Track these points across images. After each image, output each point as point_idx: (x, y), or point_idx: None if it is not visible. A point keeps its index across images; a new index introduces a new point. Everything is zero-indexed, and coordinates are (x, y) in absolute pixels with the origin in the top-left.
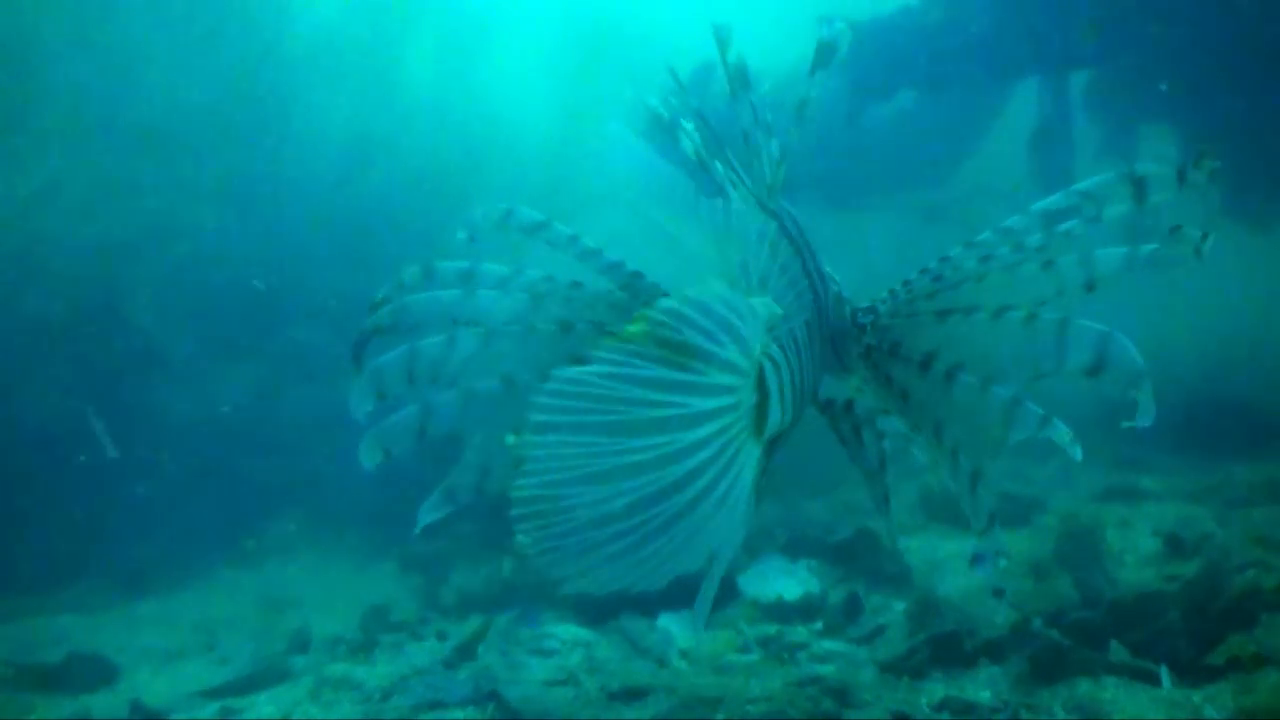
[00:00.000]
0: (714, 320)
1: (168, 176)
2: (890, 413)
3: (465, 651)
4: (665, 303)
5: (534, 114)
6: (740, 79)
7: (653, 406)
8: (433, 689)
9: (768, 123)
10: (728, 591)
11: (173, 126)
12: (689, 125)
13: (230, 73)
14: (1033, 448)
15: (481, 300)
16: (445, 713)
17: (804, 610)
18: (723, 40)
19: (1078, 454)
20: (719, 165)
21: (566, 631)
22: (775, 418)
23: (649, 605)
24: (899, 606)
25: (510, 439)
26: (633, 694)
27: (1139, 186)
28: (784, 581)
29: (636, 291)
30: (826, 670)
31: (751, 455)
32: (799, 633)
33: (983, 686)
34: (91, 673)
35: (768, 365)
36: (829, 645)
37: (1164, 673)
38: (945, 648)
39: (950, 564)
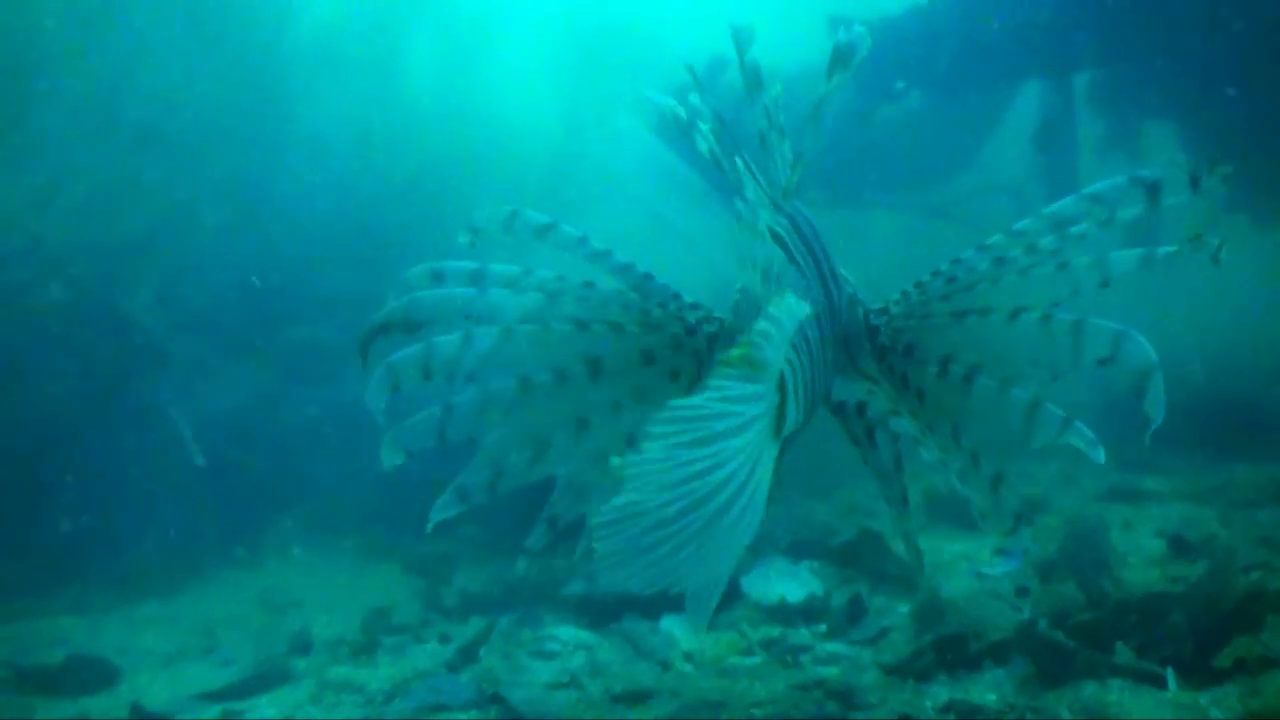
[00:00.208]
0: (783, 333)
1: (169, 177)
2: (902, 414)
3: (468, 654)
4: (760, 325)
5: (535, 114)
6: (755, 80)
7: (728, 419)
8: (435, 692)
9: (781, 125)
10: (730, 593)
11: (174, 127)
12: (705, 126)
13: (232, 73)
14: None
15: (494, 298)
16: (448, 715)
17: (807, 612)
18: (742, 42)
19: (1100, 457)
20: (737, 163)
21: (568, 634)
22: (792, 418)
23: (651, 607)
24: (902, 608)
25: (615, 461)
26: (636, 697)
27: (1153, 191)
28: (786, 583)
29: (648, 293)
30: (830, 673)
31: (770, 456)
32: (802, 635)
33: (988, 689)
34: (92, 675)
35: (786, 367)
36: (832, 648)
37: (1170, 675)
38: (950, 650)
39: (955, 565)
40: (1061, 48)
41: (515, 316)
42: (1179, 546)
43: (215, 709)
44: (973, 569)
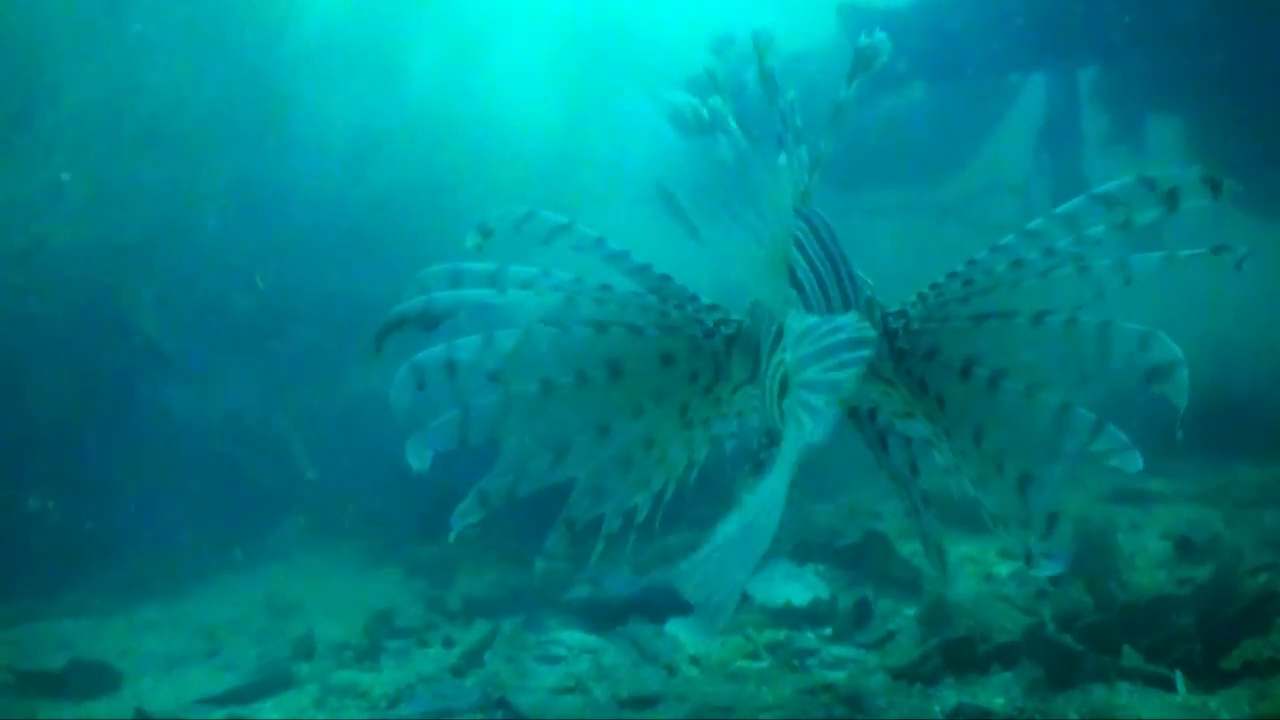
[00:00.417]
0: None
1: (171, 178)
2: (914, 416)
3: (472, 658)
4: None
5: (537, 114)
6: (773, 86)
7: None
8: (440, 696)
9: (798, 129)
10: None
11: (176, 129)
12: (732, 124)
13: (234, 76)
14: None
15: (513, 299)
16: None
17: (813, 615)
18: (763, 46)
19: (1137, 463)
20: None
21: (573, 637)
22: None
23: (657, 611)
24: (909, 611)
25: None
26: (643, 702)
27: (1171, 196)
28: (792, 586)
29: (666, 295)
30: (837, 677)
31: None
32: (808, 638)
33: (996, 693)
34: (94, 679)
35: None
36: (839, 651)
37: (1178, 678)
38: (958, 654)
39: (962, 568)
40: (1065, 40)
41: (534, 318)
42: (1186, 549)
43: (219, 713)
44: (1014, 572)
